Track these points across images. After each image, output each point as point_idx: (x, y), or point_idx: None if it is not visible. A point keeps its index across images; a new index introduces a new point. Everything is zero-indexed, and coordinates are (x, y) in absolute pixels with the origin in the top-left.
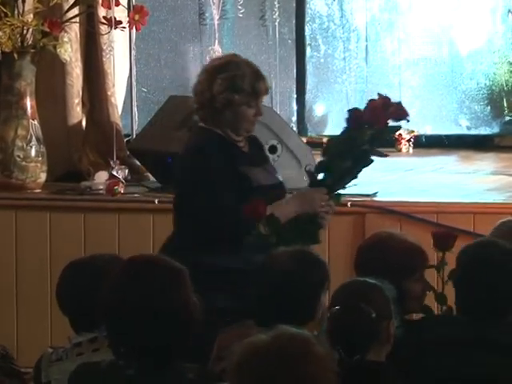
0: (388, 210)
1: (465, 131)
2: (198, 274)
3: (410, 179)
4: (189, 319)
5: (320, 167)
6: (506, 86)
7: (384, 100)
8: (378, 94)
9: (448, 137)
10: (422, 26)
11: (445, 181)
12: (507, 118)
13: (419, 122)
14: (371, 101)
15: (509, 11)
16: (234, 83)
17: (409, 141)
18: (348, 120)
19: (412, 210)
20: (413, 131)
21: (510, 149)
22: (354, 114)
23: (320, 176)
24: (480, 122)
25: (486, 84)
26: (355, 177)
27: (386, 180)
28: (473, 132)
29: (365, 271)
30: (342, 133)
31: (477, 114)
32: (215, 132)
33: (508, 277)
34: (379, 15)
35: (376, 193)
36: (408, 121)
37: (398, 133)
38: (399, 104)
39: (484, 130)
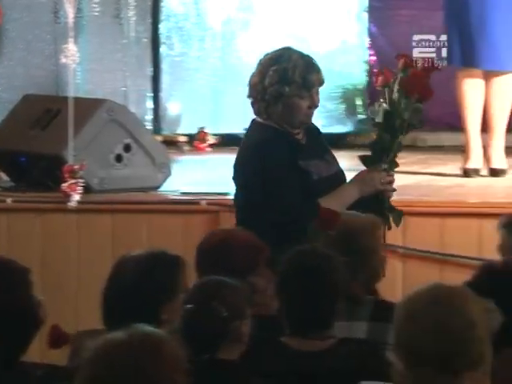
0: None
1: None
2: None
3: None
4: (34, 318)
5: (371, 146)
6: (361, 84)
7: (405, 56)
8: (398, 54)
9: None
10: (277, 25)
11: None
12: (361, 117)
13: None
14: (380, 71)
15: (364, 11)
16: (284, 75)
17: None
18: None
19: None
20: None
21: (363, 147)
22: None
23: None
24: (334, 121)
25: (340, 83)
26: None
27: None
28: (327, 130)
29: (208, 271)
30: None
31: (331, 112)
32: (272, 126)
33: (326, 282)
34: (235, 14)
35: (227, 193)
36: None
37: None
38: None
39: (338, 129)
